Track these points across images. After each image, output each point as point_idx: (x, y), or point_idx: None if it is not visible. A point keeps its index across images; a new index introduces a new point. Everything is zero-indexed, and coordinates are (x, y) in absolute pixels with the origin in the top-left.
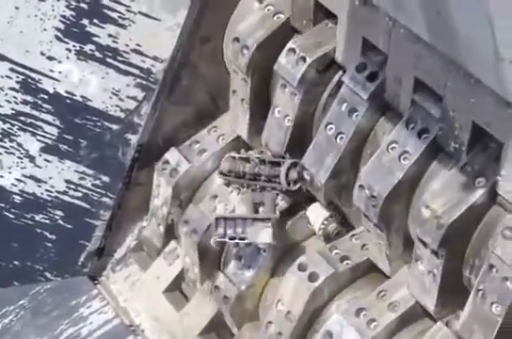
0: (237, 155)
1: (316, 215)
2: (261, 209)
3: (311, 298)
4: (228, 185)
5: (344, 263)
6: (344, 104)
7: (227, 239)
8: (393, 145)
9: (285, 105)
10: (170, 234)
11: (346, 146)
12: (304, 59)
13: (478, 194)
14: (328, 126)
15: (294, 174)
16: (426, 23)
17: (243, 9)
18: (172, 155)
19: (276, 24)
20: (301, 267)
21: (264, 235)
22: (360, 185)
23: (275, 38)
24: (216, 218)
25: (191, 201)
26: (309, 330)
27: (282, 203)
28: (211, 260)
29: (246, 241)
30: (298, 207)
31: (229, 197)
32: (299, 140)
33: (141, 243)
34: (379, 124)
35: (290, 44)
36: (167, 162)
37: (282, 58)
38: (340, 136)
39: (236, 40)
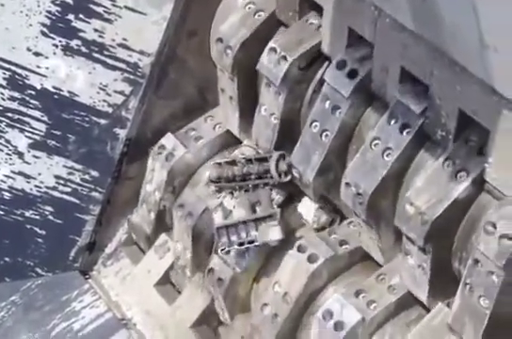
0: (222, 161)
1: (307, 209)
2: (258, 208)
3: (309, 280)
4: (220, 191)
5: (343, 247)
6: (328, 102)
7: (236, 246)
8: (376, 141)
9: (271, 104)
10: (161, 221)
11: (331, 143)
12: (285, 58)
13: (461, 188)
14: (313, 124)
15: (283, 166)
16: (412, 11)
17: (228, 5)
18: (168, 140)
19: (257, 22)
20: (301, 249)
21: (273, 233)
22: (347, 183)
23: (257, 36)
24: (218, 228)
25: (184, 187)
26: (305, 312)
27: (278, 197)
28: (204, 245)
29: (256, 243)
30: (292, 199)
31: (223, 203)
32: (288, 137)
33: (131, 235)
34: (364, 118)
35: (271, 43)
36: (162, 147)
37: (264, 58)
38: (325, 133)
39: (219, 40)
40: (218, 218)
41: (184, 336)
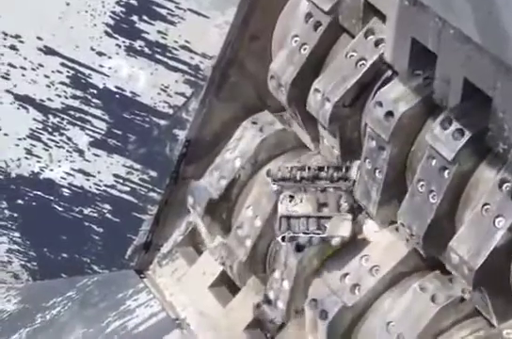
0: (290, 165)
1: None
2: (325, 210)
3: None
4: (280, 191)
5: None
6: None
7: (301, 234)
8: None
9: (329, 138)
10: (230, 190)
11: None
12: (328, 100)
13: (499, 235)
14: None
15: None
16: (477, 23)
17: (289, 12)
18: (265, 116)
19: (303, 58)
20: None
21: (343, 229)
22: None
23: (304, 73)
24: (281, 217)
25: (264, 165)
26: None
27: (345, 205)
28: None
29: (322, 235)
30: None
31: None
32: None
33: (187, 236)
34: (425, 127)
35: (314, 84)
36: (257, 119)
37: (311, 99)
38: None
39: (272, 77)
40: (283, 208)
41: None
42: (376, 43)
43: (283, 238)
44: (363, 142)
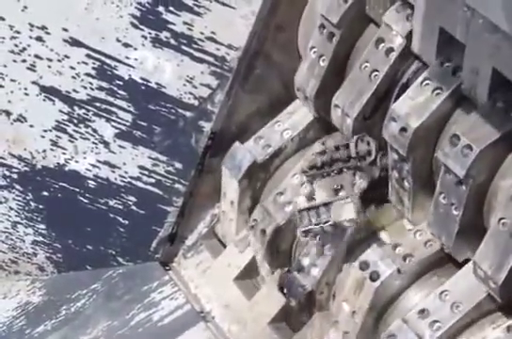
0: (315, 152)
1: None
2: (341, 193)
3: None
4: (311, 181)
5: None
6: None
7: (312, 226)
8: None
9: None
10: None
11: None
12: (347, 115)
13: None
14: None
15: (363, 146)
16: (506, 12)
17: (313, 4)
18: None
19: (322, 70)
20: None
21: (347, 211)
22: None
23: (326, 84)
24: (299, 211)
25: (311, 143)
26: None
27: (360, 182)
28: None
29: (330, 223)
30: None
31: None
32: None
33: (212, 229)
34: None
35: (334, 100)
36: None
37: (333, 114)
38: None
39: (298, 89)
40: (301, 202)
41: (262, 332)
42: (387, 52)
43: (301, 234)
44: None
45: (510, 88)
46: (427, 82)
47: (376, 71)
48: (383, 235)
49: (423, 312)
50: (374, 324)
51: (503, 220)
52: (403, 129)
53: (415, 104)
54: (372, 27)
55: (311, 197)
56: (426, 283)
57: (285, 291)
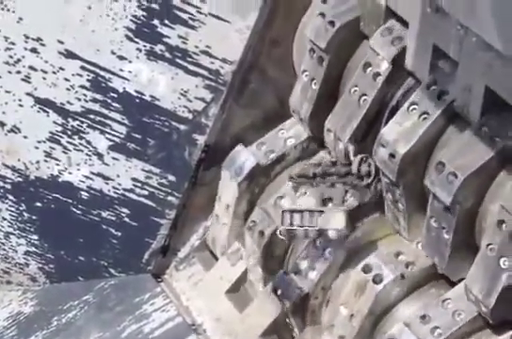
0: (309, 162)
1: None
2: (329, 205)
3: None
4: (297, 188)
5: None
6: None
7: (295, 227)
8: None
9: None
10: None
11: None
12: (340, 139)
13: (505, 276)
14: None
15: (365, 167)
16: (499, 31)
17: (310, 17)
18: None
19: (314, 94)
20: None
21: (336, 221)
22: None
23: (319, 107)
24: (283, 211)
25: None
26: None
27: (352, 200)
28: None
29: (316, 228)
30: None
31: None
32: None
33: (204, 241)
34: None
35: (326, 124)
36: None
37: (326, 137)
38: None
39: (293, 111)
40: (286, 204)
41: None
42: (374, 77)
43: (280, 232)
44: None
45: (503, 107)
46: (414, 107)
47: (365, 95)
48: (382, 245)
49: (424, 317)
50: (370, 329)
51: (490, 246)
52: (391, 155)
53: (403, 130)
54: (362, 49)
55: (295, 201)
56: (425, 294)
57: (279, 293)
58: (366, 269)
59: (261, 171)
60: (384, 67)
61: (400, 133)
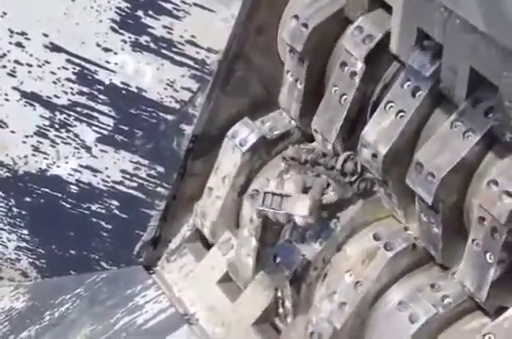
0: (303, 146)
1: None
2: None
3: None
4: (287, 170)
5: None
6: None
7: (268, 209)
8: None
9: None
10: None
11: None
12: (327, 140)
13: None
14: None
15: (350, 165)
16: (483, 12)
17: (295, 3)
18: None
19: (300, 92)
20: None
21: (301, 207)
22: None
23: (306, 107)
24: (265, 192)
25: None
26: None
27: (332, 195)
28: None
29: (282, 211)
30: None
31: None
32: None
33: (195, 232)
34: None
35: (313, 125)
36: None
37: (315, 138)
38: None
39: (283, 109)
40: (271, 186)
41: (246, 333)
42: (351, 76)
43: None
44: None
45: (488, 88)
46: (391, 104)
47: (345, 94)
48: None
49: (433, 286)
50: (374, 297)
51: (475, 241)
52: (374, 155)
53: (382, 130)
54: (339, 47)
55: (281, 184)
56: (434, 268)
57: (278, 260)
58: (377, 237)
59: (264, 146)
60: (359, 66)
61: (379, 133)
